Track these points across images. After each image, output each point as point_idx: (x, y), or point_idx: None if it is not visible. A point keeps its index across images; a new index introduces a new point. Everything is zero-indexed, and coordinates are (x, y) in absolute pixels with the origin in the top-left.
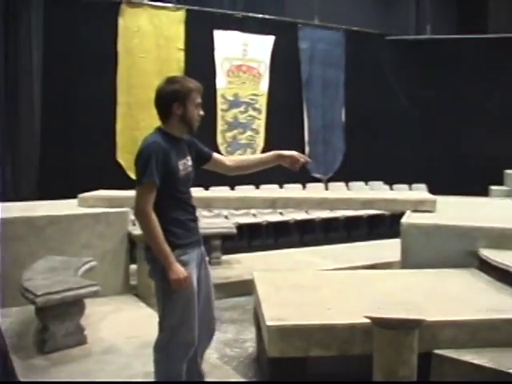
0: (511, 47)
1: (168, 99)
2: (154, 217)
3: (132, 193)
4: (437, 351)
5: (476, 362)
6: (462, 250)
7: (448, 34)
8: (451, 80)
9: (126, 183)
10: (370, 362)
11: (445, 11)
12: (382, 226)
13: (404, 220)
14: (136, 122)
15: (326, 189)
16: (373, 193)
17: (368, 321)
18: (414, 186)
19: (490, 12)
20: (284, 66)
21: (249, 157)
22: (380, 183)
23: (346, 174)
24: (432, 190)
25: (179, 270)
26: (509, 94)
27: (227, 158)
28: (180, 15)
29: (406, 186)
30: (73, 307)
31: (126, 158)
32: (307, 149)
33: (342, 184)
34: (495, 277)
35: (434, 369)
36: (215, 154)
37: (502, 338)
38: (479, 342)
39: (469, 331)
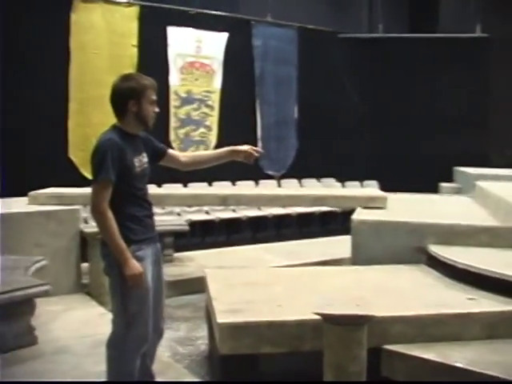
0: (460, 47)
1: (124, 96)
2: (110, 214)
3: (84, 190)
4: (386, 346)
5: (424, 356)
6: (411, 246)
7: (399, 33)
8: (402, 78)
9: (78, 181)
10: (322, 358)
11: (397, 10)
12: (334, 222)
13: (354, 217)
14: (88, 119)
15: (279, 186)
16: (324, 190)
17: (318, 317)
18: (366, 182)
19: (440, 12)
20: (237, 62)
21: (203, 152)
22: (332, 180)
23: (298, 171)
24: (383, 187)
25: (135, 266)
26: (458, 93)
27: (182, 154)
28: (133, 11)
29: (357, 183)
30: (23, 307)
31: (78, 155)
32: (260, 145)
33: (294, 181)
34: (444, 272)
35: (384, 364)
36: (170, 150)
37: (450, 332)
38: (427, 337)
39: (417, 326)
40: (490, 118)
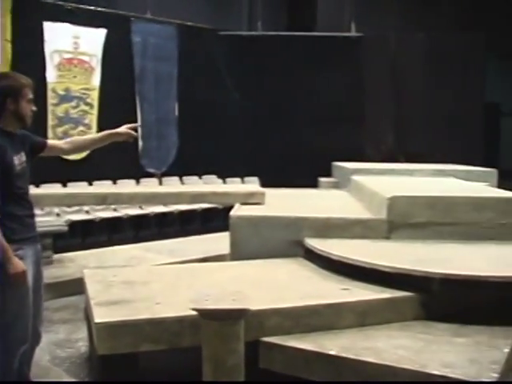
0: (337, 45)
1: (1, 95)
2: None
3: None
4: (264, 339)
5: (300, 346)
6: (288, 240)
7: (279, 31)
8: (282, 76)
9: None
10: (201, 353)
11: (276, 8)
12: (217, 219)
13: (232, 213)
14: None
15: (160, 184)
16: (204, 187)
17: (196, 313)
18: (247, 179)
19: (318, 11)
20: (116, 59)
21: (84, 137)
22: (214, 177)
23: (180, 169)
24: (265, 183)
25: (18, 264)
26: (336, 90)
27: (63, 142)
28: (6, 4)
29: (238, 180)
30: None
31: None
32: (140, 144)
33: (176, 178)
34: (320, 265)
35: (262, 356)
36: (50, 141)
37: (324, 321)
38: (303, 327)
39: (293, 317)
40: (366, 115)
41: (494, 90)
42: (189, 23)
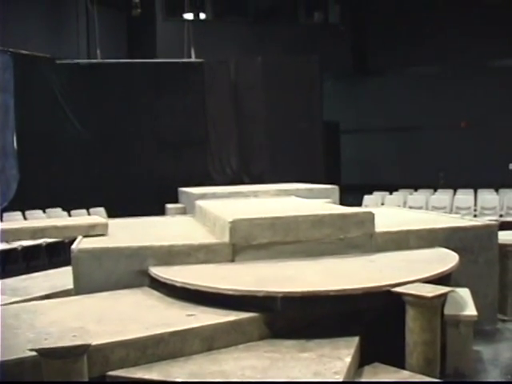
0: (179, 71)
1: None
2: None
3: None
4: (110, 373)
5: (146, 376)
6: (133, 271)
7: (119, 59)
8: (122, 103)
9: None
10: None
11: (115, 36)
12: (63, 253)
13: (74, 246)
14: None
15: (1, 220)
16: (44, 221)
17: (35, 353)
18: (92, 210)
19: (158, 37)
20: None
21: None
22: (58, 210)
23: (22, 203)
24: (112, 213)
25: None
26: (177, 116)
27: None
28: None
29: (84, 211)
30: None
31: None
32: None
33: (18, 213)
34: (165, 292)
35: None
36: None
37: (171, 350)
38: (150, 357)
39: (139, 348)
40: (210, 139)
41: (334, 110)
42: (24, 51)
